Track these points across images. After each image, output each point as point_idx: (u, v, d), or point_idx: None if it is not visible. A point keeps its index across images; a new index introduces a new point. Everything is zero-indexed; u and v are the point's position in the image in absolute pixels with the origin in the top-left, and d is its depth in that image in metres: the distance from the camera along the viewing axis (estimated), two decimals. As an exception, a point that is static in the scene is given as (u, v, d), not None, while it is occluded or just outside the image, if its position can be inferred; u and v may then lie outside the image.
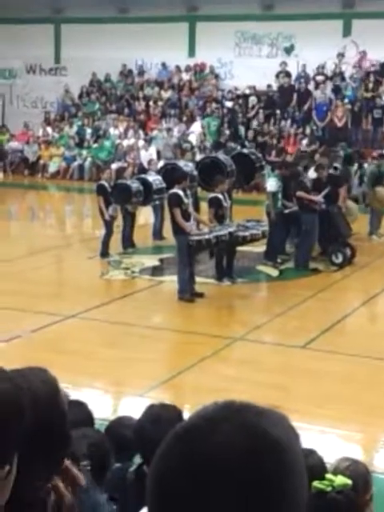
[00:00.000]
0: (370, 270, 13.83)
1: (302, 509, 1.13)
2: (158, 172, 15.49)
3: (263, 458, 1.09)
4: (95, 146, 26.55)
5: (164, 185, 14.34)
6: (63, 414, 1.89)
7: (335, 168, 15.27)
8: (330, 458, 4.17)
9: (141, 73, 28.75)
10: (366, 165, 18.34)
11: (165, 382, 8.43)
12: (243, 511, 1.07)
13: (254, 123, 25.11)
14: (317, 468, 3.69)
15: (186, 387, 8.67)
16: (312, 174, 14.33)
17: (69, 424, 1.93)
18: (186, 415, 6.54)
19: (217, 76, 27.80)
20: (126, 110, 27.81)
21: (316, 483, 3.32)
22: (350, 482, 3.37)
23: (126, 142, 25.95)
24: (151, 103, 27.57)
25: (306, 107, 25.11)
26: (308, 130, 24.31)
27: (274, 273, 13.68)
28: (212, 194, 12.72)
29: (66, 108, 28.94)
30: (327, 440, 6.97)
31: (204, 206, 13.83)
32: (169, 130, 25.73)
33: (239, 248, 12.91)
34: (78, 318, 10.71)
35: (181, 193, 11.68)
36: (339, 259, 13.77)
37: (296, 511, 1.12)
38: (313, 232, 13.57)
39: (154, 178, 14.76)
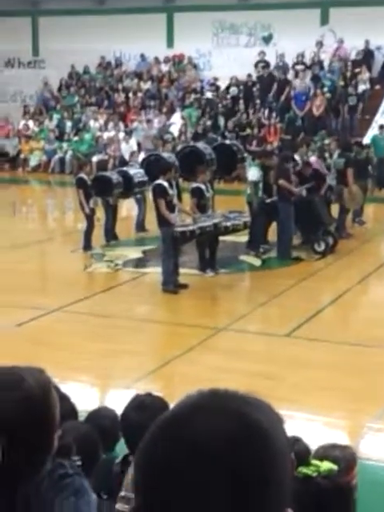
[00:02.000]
0: (352, 258, 13.91)
1: (287, 492, 1.14)
2: (141, 164, 15.45)
3: (248, 443, 1.10)
4: (75, 139, 26.46)
5: (145, 177, 14.32)
6: (53, 415, 1.91)
7: (324, 158, 15.30)
8: (316, 445, 4.21)
9: (118, 64, 28.65)
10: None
11: (151, 373, 8.45)
12: (230, 496, 1.08)
13: (237, 114, 25.06)
14: (303, 454, 3.73)
15: (172, 378, 8.69)
16: (313, 159, 14.48)
17: (57, 425, 1.95)
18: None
19: (195, 66, 27.77)
20: (106, 102, 27.72)
21: (302, 468, 3.36)
22: (335, 467, 3.41)
23: (106, 135, 25.86)
24: (131, 95, 27.49)
25: (283, 97, 25.12)
26: (286, 120, 24.33)
27: (257, 262, 13.71)
28: (194, 184, 12.72)
29: (45, 101, 28.79)
30: (313, 427, 7.02)
31: (186, 196, 13.83)
32: (149, 121, 25.68)
33: (222, 238, 12.92)
34: (62, 312, 10.69)
35: (166, 184, 11.66)
36: (321, 247, 13.83)
37: (281, 495, 1.13)
38: (289, 221, 13.61)
39: (135, 171, 14.73)
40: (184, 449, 1.10)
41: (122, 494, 3.32)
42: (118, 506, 3.32)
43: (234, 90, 25.92)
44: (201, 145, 15.25)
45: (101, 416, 4.50)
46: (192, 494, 1.08)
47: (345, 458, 3.76)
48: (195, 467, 1.08)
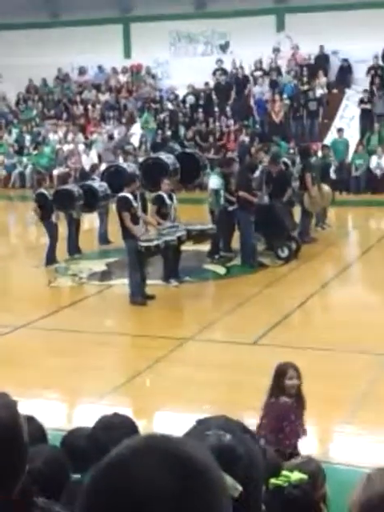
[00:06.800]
0: (315, 262, 13.99)
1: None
2: (101, 175, 15.41)
3: (184, 482, 1.14)
4: (35, 152, 26.30)
5: (109, 191, 14.29)
6: (23, 439, 1.89)
7: (285, 164, 15.34)
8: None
9: (82, 73, 28.51)
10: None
11: (119, 387, 8.42)
12: None
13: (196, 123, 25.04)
14: (272, 465, 3.74)
15: (140, 391, 8.66)
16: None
17: (27, 450, 1.92)
18: (143, 420, 6.54)
19: (154, 76, 27.80)
20: (65, 115, 27.64)
21: (273, 480, 3.37)
22: (305, 476, 3.43)
23: (66, 147, 25.76)
24: (89, 106, 27.44)
25: (243, 104, 25.22)
26: (247, 127, 24.40)
27: (222, 270, 13.74)
28: (156, 193, 12.77)
29: (3, 115, 28.61)
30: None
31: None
32: (109, 132, 25.62)
33: (186, 247, 12.93)
34: (27, 328, 10.61)
35: (130, 196, 11.64)
36: (285, 253, 13.91)
37: None
38: (249, 229, 13.66)
39: (99, 185, 14.69)
40: (121, 501, 1.15)
41: None
42: None
43: (190, 99, 25.95)
44: (164, 155, 15.24)
45: (76, 436, 4.46)
46: None
47: (314, 471, 3.78)
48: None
